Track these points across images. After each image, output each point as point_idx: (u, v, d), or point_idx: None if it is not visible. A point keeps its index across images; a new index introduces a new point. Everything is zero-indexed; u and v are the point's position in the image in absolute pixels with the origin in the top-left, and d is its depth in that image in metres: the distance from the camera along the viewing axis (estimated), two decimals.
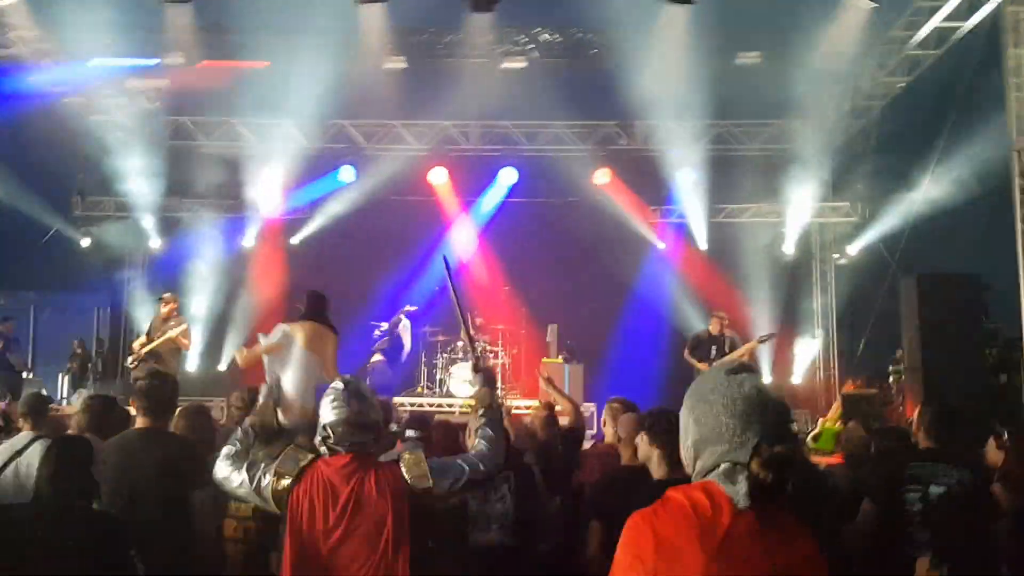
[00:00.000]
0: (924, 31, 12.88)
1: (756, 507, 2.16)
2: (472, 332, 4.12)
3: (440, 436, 6.08)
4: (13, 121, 14.12)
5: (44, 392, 9.48)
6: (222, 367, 16.31)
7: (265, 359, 7.25)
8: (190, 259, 16.50)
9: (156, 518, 4.63)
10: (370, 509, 3.52)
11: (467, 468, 3.71)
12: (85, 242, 16.72)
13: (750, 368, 2.37)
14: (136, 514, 4.50)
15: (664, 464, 4.29)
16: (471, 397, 4.05)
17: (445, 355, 13.96)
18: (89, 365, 15.39)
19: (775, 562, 2.14)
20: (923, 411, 5.16)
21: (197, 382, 14.94)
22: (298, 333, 7.34)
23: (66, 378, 15.19)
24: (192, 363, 16.35)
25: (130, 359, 11.33)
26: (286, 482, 3.60)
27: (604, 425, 6.25)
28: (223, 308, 16.36)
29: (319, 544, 3.50)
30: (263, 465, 3.71)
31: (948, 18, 12.39)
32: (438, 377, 13.84)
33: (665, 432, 4.18)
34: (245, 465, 3.75)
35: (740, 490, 2.17)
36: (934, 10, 12.51)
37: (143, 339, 11.37)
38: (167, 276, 16.51)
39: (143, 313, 13.78)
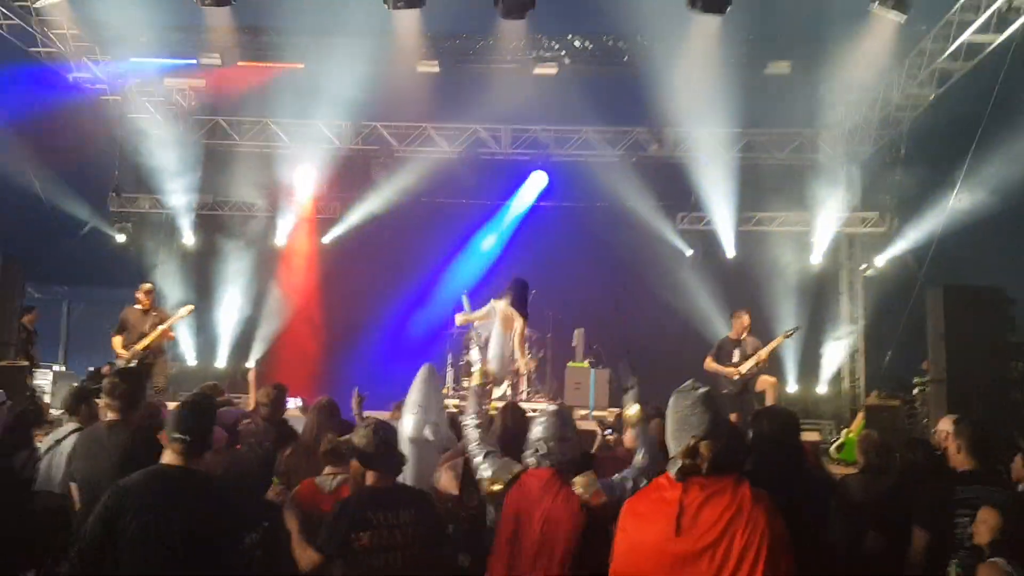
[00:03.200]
0: (954, 44, 12.81)
1: (694, 482, 3.10)
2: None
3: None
4: (53, 118, 14.40)
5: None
6: (250, 363, 16.49)
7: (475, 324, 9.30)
8: (223, 257, 16.74)
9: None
10: (559, 519, 3.89)
11: (629, 484, 4.08)
12: (120, 238, 16.98)
13: (694, 387, 3.40)
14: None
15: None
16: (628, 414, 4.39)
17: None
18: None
19: (718, 519, 3.01)
20: (960, 432, 4.99)
21: (225, 379, 15.08)
22: (499, 309, 8.81)
23: None
24: (221, 360, 16.59)
25: (122, 362, 10.61)
26: (498, 487, 4.07)
27: (625, 431, 6.32)
28: (253, 306, 16.58)
29: (524, 546, 3.90)
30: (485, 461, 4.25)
31: (978, 31, 12.31)
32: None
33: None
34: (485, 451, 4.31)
35: (673, 470, 3.15)
36: (965, 24, 12.41)
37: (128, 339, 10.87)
38: (200, 273, 16.77)
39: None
